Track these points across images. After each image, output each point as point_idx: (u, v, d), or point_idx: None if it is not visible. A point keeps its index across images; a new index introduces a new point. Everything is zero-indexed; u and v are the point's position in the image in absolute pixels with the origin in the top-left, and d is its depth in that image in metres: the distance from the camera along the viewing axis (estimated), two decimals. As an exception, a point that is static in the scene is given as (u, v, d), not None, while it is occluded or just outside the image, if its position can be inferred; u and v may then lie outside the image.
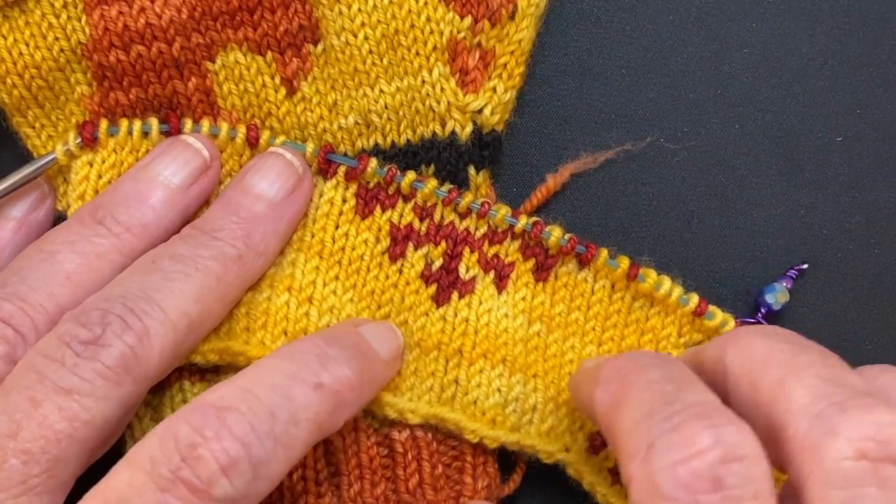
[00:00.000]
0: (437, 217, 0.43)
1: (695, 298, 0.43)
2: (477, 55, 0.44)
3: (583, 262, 0.43)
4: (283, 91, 0.43)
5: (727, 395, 0.34)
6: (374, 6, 0.42)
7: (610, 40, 0.47)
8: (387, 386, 0.42)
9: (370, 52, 0.43)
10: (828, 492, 0.29)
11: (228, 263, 0.39)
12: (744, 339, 0.34)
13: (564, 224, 0.44)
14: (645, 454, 0.30)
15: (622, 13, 0.47)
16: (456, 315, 0.43)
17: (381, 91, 0.43)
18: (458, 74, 0.44)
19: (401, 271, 0.43)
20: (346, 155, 0.44)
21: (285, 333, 0.42)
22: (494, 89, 0.44)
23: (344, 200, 0.43)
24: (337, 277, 0.43)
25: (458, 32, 0.43)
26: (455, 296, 0.43)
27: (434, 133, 0.44)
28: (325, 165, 0.43)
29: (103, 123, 0.42)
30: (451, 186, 0.43)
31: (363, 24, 0.42)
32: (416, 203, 0.43)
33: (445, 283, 0.43)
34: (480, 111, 0.44)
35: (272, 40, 0.43)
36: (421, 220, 0.43)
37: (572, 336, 0.43)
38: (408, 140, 0.44)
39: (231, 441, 0.33)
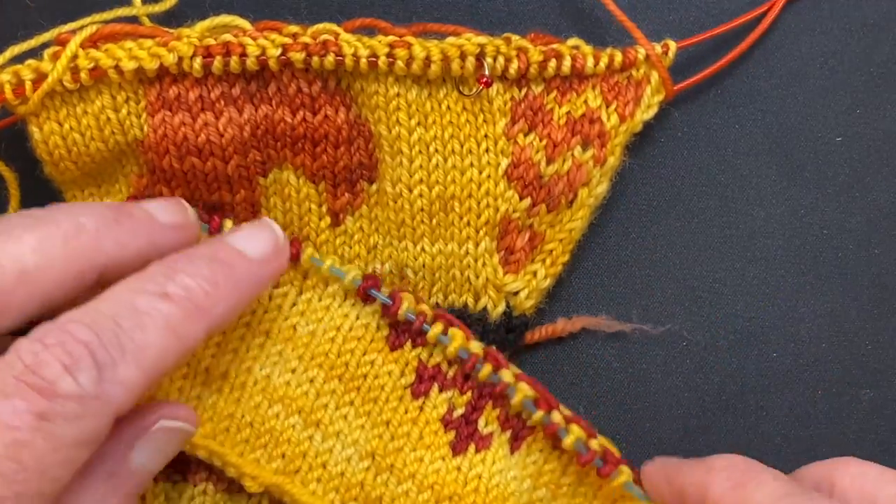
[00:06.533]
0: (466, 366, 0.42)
1: None
2: (527, 236, 0.43)
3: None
4: (327, 220, 0.43)
5: None
6: (436, 166, 0.42)
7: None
8: None
9: (421, 209, 0.42)
10: None
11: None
12: (854, 464, 0.38)
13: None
14: None
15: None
16: (471, 469, 0.42)
17: (423, 250, 0.43)
18: (503, 252, 0.43)
19: (422, 409, 0.42)
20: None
21: (283, 456, 0.42)
22: (535, 273, 0.43)
23: (378, 328, 0.42)
24: (352, 403, 0.42)
25: (514, 212, 0.42)
26: (472, 448, 0.42)
27: (465, 304, 0.43)
28: (363, 295, 0.42)
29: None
30: (474, 352, 0.41)
31: (421, 181, 0.42)
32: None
33: (464, 434, 0.42)
34: (516, 293, 0.43)
35: (328, 173, 0.42)
36: (450, 364, 0.42)
37: None
38: (437, 304, 0.43)
39: (74, 344, 0.32)
